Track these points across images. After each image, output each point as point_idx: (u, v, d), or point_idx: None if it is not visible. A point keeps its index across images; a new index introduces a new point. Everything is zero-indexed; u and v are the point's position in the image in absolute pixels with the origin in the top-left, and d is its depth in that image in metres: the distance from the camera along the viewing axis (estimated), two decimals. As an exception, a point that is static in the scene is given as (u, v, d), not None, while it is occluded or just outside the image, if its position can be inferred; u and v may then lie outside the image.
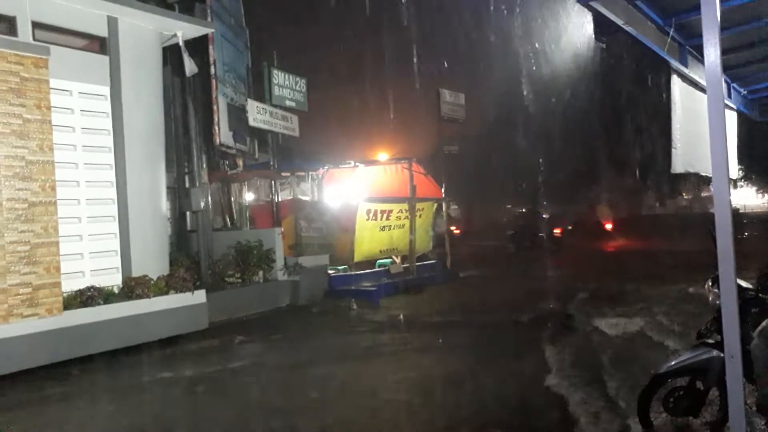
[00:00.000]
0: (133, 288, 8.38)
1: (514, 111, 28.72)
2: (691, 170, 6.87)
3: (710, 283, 4.40)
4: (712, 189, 3.45)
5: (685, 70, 6.49)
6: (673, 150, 6.33)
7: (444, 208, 17.05)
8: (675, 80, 6.37)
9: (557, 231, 22.43)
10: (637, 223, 28.62)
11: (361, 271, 13.97)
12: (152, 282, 8.61)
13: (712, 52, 3.20)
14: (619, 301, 10.55)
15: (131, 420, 5.70)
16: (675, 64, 6.33)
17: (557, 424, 5.04)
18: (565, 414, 5.16)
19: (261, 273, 11.76)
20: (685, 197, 31.52)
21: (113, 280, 8.48)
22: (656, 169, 26.65)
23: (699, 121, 6.62)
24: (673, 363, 4.39)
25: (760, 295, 4.26)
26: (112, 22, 8.79)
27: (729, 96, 8.08)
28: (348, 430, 5.25)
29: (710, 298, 4.42)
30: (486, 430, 5.01)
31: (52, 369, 7.19)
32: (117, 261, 8.66)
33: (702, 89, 6.68)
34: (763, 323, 4.04)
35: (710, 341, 4.32)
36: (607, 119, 29.64)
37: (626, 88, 26.24)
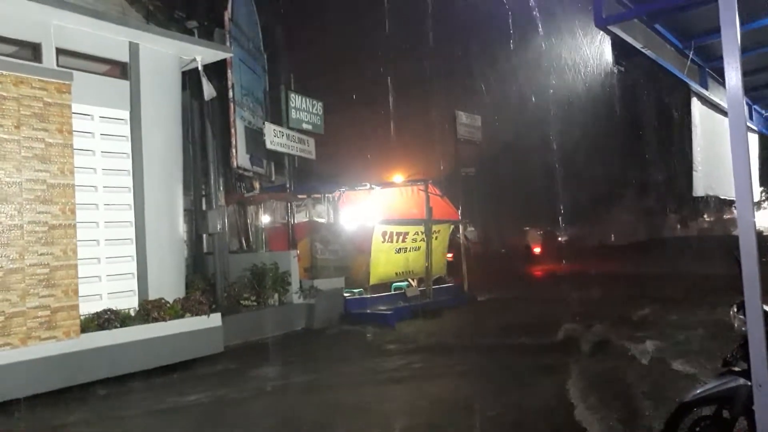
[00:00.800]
0: (149, 311, 8.40)
1: (531, 134, 28.69)
2: (712, 193, 6.76)
3: (735, 309, 4.28)
4: (735, 211, 3.37)
5: (705, 93, 6.43)
6: (694, 173, 6.23)
7: (461, 230, 16.96)
8: (695, 102, 6.30)
9: None
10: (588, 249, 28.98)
11: (377, 294, 13.89)
12: (168, 305, 8.63)
13: (734, 75, 3.15)
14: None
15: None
16: (695, 86, 6.27)
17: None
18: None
19: (276, 296, 11.75)
20: (706, 219, 31.06)
21: (130, 303, 8.51)
22: (676, 192, 26.36)
23: (719, 144, 6.53)
24: (699, 391, 4.25)
25: (788, 321, 4.13)
26: (133, 48, 8.96)
27: (750, 118, 7.98)
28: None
29: (736, 325, 4.29)
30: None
31: (69, 392, 7.18)
32: (134, 284, 8.70)
33: (722, 111, 6.60)
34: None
35: (737, 369, 4.18)
36: (626, 142, 29.46)
37: (646, 111, 26.13)
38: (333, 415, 6.41)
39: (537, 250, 31.18)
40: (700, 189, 6.21)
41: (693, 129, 6.17)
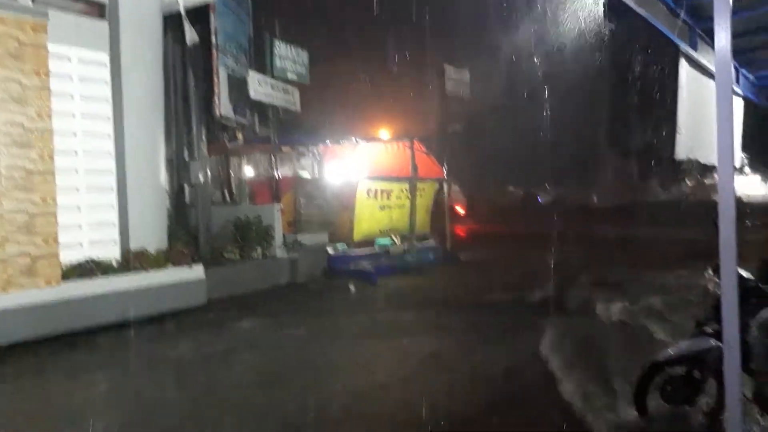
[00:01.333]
0: (131, 261, 8.36)
1: (517, 93, 28.44)
2: (693, 156, 6.80)
3: (711, 272, 4.36)
4: (716, 176, 3.39)
5: (694, 54, 6.38)
6: (677, 136, 6.25)
7: (446, 189, 16.95)
8: (683, 64, 6.27)
9: None
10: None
11: (360, 250, 13.95)
12: (151, 255, 8.59)
13: (723, 35, 3.10)
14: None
15: (128, 392, 5.73)
16: (684, 47, 6.21)
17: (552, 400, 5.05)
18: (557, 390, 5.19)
19: (260, 249, 11.72)
20: (689, 184, 31.36)
21: (111, 253, 8.45)
22: (659, 154, 26.49)
23: (704, 107, 6.53)
24: (670, 351, 4.37)
25: (760, 285, 4.23)
26: (112, -13, 8.63)
27: (737, 82, 7.97)
28: (342, 403, 5.27)
29: (710, 287, 4.38)
30: (475, 403, 5.02)
31: (51, 341, 7.18)
32: (115, 233, 8.63)
33: (709, 74, 6.58)
34: (763, 314, 4.01)
35: (709, 330, 4.29)
36: (613, 104, 29.38)
37: (634, 74, 25.96)
38: (315, 367, 6.50)
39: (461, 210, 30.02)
40: (682, 151, 6.23)
41: (679, 91, 6.16)
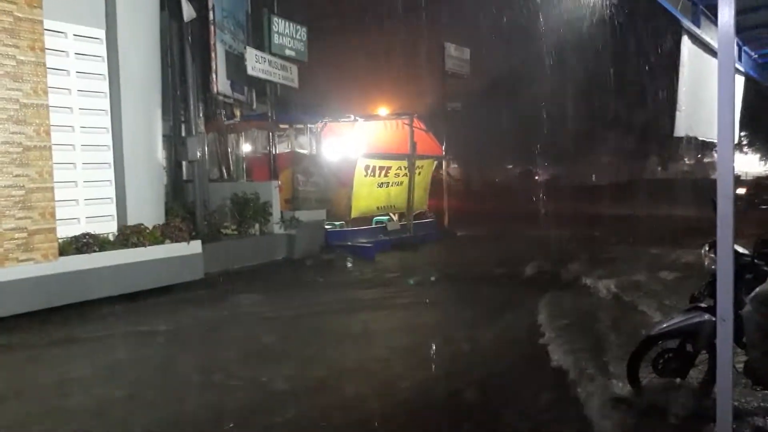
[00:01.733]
0: (128, 236, 8.36)
1: (518, 68, 28.24)
2: (692, 134, 6.79)
3: (707, 248, 4.38)
4: (715, 154, 3.39)
5: (697, 31, 6.33)
6: (677, 113, 6.24)
7: (444, 167, 16.94)
8: (685, 41, 6.23)
9: None
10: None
11: (358, 228, 13.98)
12: (148, 231, 8.60)
13: (726, 11, 3.08)
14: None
15: (125, 363, 5.79)
16: (687, 23, 6.16)
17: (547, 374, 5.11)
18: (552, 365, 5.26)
19: (257, 226, 11.75)
20: (687, 162, 31.31)
21: (108, 228, 8.45)
22: (659, 132, 26.41)
23: (705, 85, 6.50)
24: (664, 325, 4.41)
25: (756, 261, 4.25)
26: (106, -39, 8.49)
27: (739, 59, 7.91)
28: (337, 373, 5.35)
29: (706, 263, 4.41)
30: (466, 374, 5.08)
31: (47, 314, 7.23)
32: (112, 209, 8.62)
33: (711, 52, 6.53)
34: (757, 289, 4.04)
35: (703, 305, 4.33)
36: (613, 81, 29.19)
37: (635, 51, 25.75)
38: (312, 339, 6.59)
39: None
40: (681, 129, 6.22)
41: (680, 68, 6.12)
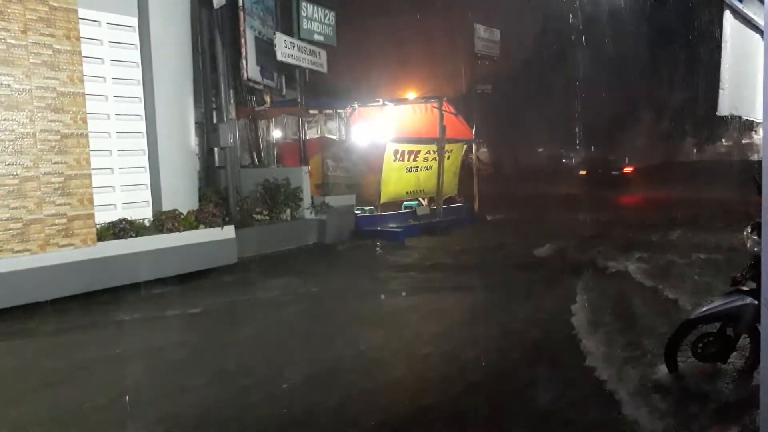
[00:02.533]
0: (163, 222, 8.52)
1: (549, 48, 27.67)
2: (736, 113, 6.54)
3: (750, 230, 4.26)
4: (754, 136, 3.27)
5: (740, 5, 6.08)
6: (720, 91, 6.00)
7: (474, 150, 16.77)
8: (727, 16, 5.98)
9: None
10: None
11: (388, 212, 13.98)
12: (182, 216, 8.74)
13: (773, -17, 2.95)
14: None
15: (166, 344, 5.94)
16: (728, -2, 5.92)
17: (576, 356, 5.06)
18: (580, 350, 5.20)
19: (288, 211, 11.86)
20: (724, 144, 30.33)
21: (144, 214, 8.62)
22: (695, 112, 25.68)
23: (749, 62, 6.25)
24: (704, 309, 4.32)
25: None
26: (138, -50, 8.57)
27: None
28: (368, 357, 5.40)
29: (749, 245, 4.29)
30: (494, 360, 5.06)
31: (88, 298, 7.43)
32: (147, 195, 8.78)
33: (754, 27, 6.27)
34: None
35: (745, 288, 4.22)
36: (649, 61, 28.42)
37: (672, 29, 25.01)
38: (344, 321, 6.69)
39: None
40: (725, 108, 5.99)
41: (723, 44, 5.89)
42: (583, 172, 29.00)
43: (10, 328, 6.46)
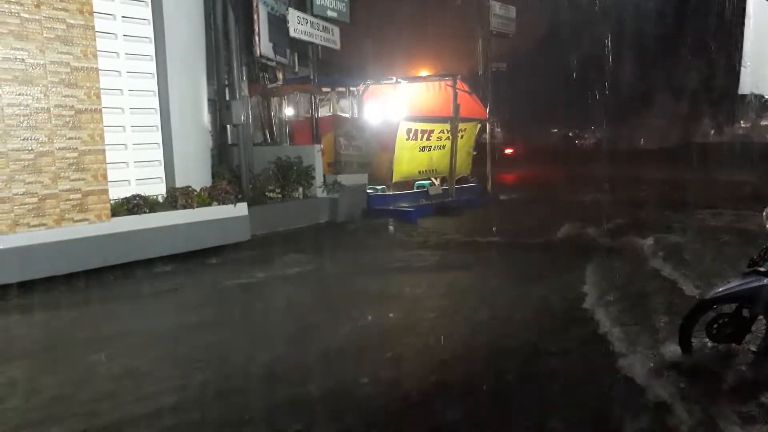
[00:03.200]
0: (177, 198, 8.55)
1: (566, 26, 27.25)
2: (757, 92, 6.42)
3: (768, 211, 4.20)
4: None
5: (763, -19, 5.92)
6: (742, 69, 5.89)
7: (487, 130, 16.62)
8: (751, -8, 5.83)
9: None
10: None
11: (400, 192, 13.94)
12: (195, 193, 8.77)
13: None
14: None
15: (179, 318, 6.02)
16: (752, -28, 5.77)
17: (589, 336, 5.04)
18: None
19: (300, 189, 11.86)
20: (742, 125, 29.81)
21: (157, 190, 8.66)
22: (714, 92, 25.24)
23: (770, 39, 6.10)
24: (720, 289, 4.27)
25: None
26: None
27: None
28: (381, 330, 5.47)
29: (767, 226, 4.23)
30: (499, 337, 5.06)
31: (103, 272, 7.51)
32: (161, 171, 8.80)
33: (779, 3, 6.11)
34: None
35: (762, 269, 4.17)
36: (667, 39, 27.88)
37: (691, 6, 24.48)
38: (355, 296, 6.77)
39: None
40: (746, 86, 5.88)
41: (746, 22, 5.75)
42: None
43: (30, 300, 6.54)
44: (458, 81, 14.32)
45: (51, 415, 3.83)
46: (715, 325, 4.32)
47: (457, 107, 14.11)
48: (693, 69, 27.01)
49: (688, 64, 27.19)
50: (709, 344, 4.40)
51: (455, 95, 14.10)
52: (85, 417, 3.79)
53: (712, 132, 31.36)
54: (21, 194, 6.95)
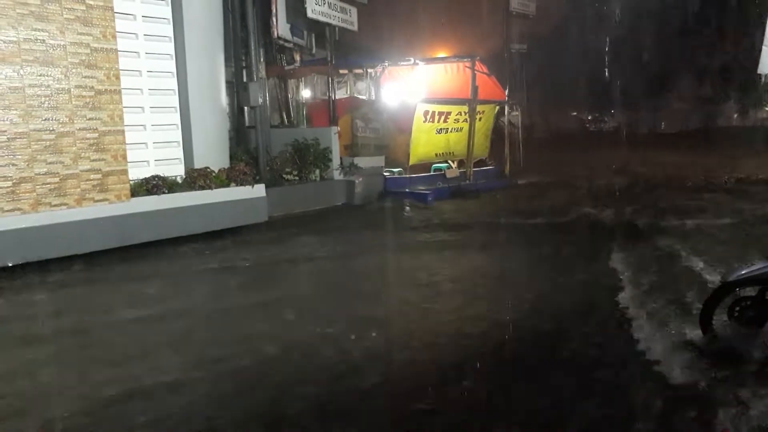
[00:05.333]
0: (195, 179, 8.61)
1: (587, 6, 26.73)
2: (778, 72, 6.27)
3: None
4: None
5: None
6: (763, 48, 5.74)
7: (506, 112, 16.44)
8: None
9: None
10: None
11: (416, 174, 13.88)
12: (214, 174, 8.82)
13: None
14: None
15: (198, 297, 6.11)
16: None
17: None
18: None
19: (317, 171, 11.87)
20: (766, 109, 29.15)
21: (176, 171, 8.72)
22: (737, 75, 24.70)
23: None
24: (743, 272, 4.20)
25: None
26: None
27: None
28: (399, 309, 5.51)
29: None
30: (525, 317, 5.05)
31: (124, 252, 7.60)
32: (179, 152, 8.86)
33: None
34: None
35: (788, 252, 4.10)
36: (689, 19, 27.25)
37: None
38: (372, 276, 6.85)
39: None
40: (766, 66, 5.75)
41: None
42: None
43: (55, 278, 6.65)
44: (477, 62, 14.16)
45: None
46: (738, 308, 4.27)
47: (475, 89, 13.96)
48: (717, 50, 26.42)
49: (712, 45, 26.59)
50: (731, 327, 4.35)
51: (474, 77, 13.95)
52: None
53: (736, 116, 30.71)
54: (43, 174, 7.05)
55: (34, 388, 3.98)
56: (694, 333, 4.45)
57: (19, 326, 5.26)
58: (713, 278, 5.88)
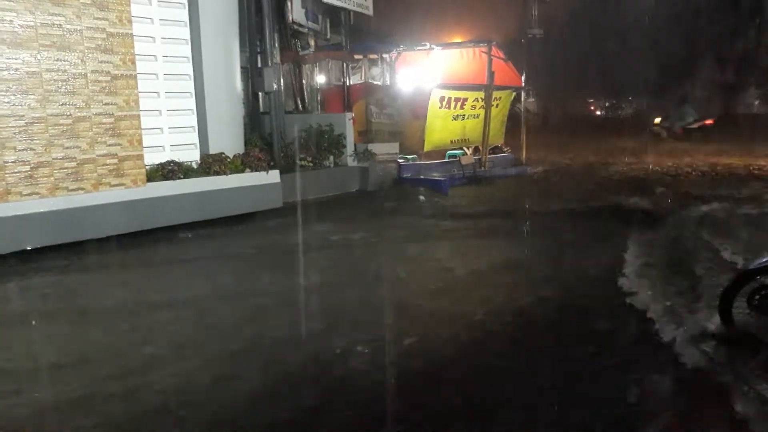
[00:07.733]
0: (210, 164, 8.63)
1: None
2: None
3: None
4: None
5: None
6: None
7: (522, 99, 16.27)
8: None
9: None
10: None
11: (431, 161, 13.82)
12: (229, 159, 8.84)
13: None
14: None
15: (216, 280, 6.15)
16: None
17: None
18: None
19: (332, 158, 11.85)
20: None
21: (191, 156, 8.74)
22: (759, 61, 24.19)
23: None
24: (764, 260, 4.13)
25: None
26: None
27: None
28: (414, 293, 5.52)
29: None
30: (526, 299, 5.02)
31: (140, 236, 7.66)
32: (194, 137, 8.88)
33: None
34: None
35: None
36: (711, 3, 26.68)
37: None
38: (387, 262, 6.85)
39: None
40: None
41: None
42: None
43: (73, 262, 6.71)
44: (493, 47, 14.01)
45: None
46: (757, 297, 4.20)
47: (491, 75, 13.82)
48: (739, 35, 25.89)
49: (736, 30, 26.06)
50: (750, 315, 4.28)
51: (490, 62, 13.81)
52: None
53: (757, 103, 30.12)
54: (60, 158, 7.10)
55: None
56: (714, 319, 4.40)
57: (87, 301, 5.51)
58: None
